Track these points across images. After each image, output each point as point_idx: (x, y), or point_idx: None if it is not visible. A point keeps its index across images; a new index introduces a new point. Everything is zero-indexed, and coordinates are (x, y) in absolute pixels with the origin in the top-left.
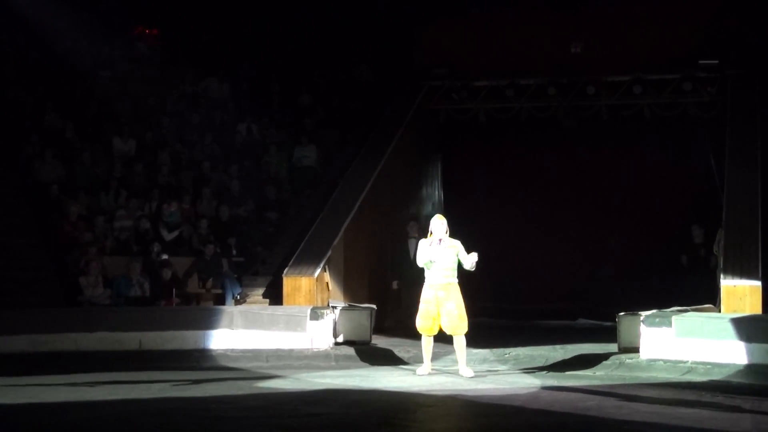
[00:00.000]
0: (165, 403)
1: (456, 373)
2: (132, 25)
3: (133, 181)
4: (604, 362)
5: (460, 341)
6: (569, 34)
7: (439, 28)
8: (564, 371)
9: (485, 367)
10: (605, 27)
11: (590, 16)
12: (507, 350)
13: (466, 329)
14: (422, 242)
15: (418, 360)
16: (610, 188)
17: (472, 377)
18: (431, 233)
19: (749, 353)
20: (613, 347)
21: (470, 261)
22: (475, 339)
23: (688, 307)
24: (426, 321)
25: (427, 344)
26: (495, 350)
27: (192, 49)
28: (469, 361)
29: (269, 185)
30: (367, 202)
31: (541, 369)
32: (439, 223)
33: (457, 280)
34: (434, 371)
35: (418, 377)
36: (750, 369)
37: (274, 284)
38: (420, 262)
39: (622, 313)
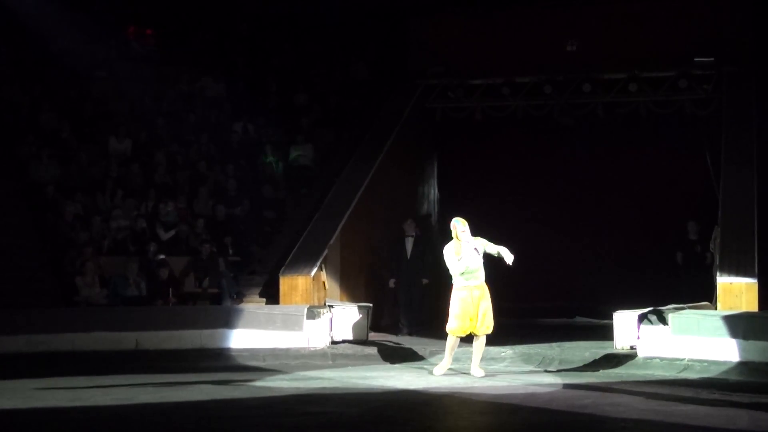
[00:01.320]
0: (161, 403)
1: (461, 372)
2: (127, 25)
3: (129, 181)
4: (601, 360)
5: (482, 341)
6: (565, 32)
7: (435, 27)
8: (561, 369)
9: (482, 364)
10: (601, 25)
11: (586, 14)
12: (503, 348)
13: (491, 329)
14: (448, 248)
15: (415, 358)
16: (606, 186)
17: (482, 377)
18: (457, 237)
19: (745, 350)
20: (609, 345)
21: (507, 255)
22: (472, 337)
23: (684, 305)
24: (463, 322)
25: (455, 344)
26: (491, 348)
27: (188, 49)
28: (465, 359)
29: (266, 184)
30: (364, 201)
31: (538, 367)
32: (463, 226)
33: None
34: (450, 371)
35: (434, 377)
36: (746, 366)
37: (270, 283)
38: (456, 272)
39: (618, 311)
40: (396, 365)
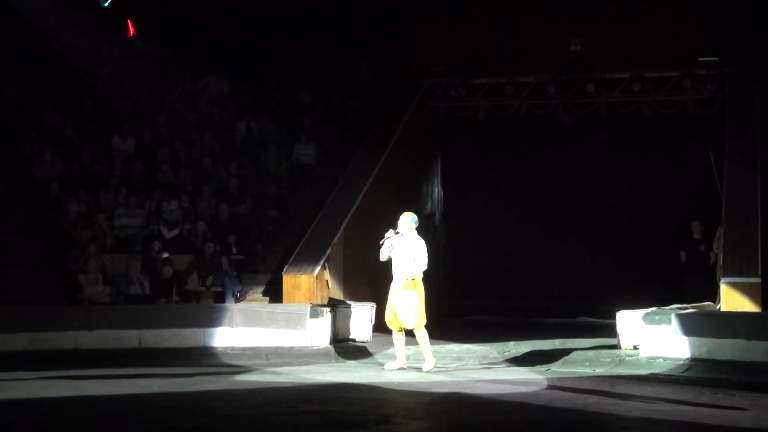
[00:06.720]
0: (164, 401)
1: (461, 369)
2: (127, 24)
3: (132, 180)
4: (604, 359)
5: (418, 334)
6: (569, 31)
7: (439, 26)
8: (564, 368)
9: (486, 363)
10: (605, 24)
11: (589, 14)
12: (507, 347)
13: (419, 325)
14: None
15: (417, 358)
16: (609, 185)
17: (428, 371)
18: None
19: (749, 350)
20: (613, 344)
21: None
22: (475, 335)
23: (687, 305)
24: (388, 314)
25: (396, 338)
26: (495, 346)
27: (191, 47)
28: (469, 358)
29: (269, 183)
30: (367, 199)
31: (541, 366)
32: (399, 220)
33: (414, 277)
34: (409, 366)
35: (435, 377)
36: (749, 366)
37: (273, 282)
38: (380, 258)
39: (622, 311)
40: (398, 364)
